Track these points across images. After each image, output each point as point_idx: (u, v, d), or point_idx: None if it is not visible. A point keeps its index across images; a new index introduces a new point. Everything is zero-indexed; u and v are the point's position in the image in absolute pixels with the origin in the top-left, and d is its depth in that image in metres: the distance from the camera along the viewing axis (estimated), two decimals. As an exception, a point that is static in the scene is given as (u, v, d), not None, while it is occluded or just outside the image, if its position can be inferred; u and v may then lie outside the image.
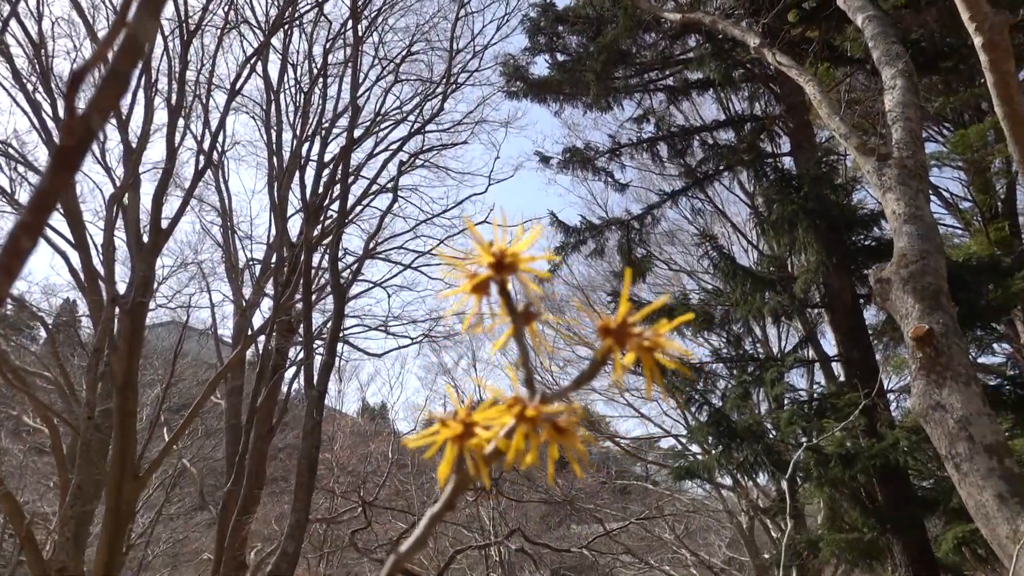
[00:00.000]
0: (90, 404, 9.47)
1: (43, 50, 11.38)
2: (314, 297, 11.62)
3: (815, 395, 10.82)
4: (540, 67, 11.70)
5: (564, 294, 16.64)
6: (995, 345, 10.81)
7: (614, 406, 19.09)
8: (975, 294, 7.61)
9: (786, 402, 9.07)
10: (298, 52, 13.35)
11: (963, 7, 3.48)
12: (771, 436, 8.48)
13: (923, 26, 9.19)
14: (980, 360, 10.53)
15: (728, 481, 13.15)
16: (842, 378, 9.77)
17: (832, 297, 8.76)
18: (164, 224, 11.01)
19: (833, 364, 10.92)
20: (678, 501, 16.35)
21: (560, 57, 11.21)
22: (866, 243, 8.47)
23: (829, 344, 11.01)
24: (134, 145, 11.07)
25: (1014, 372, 9.94)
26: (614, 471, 17.74)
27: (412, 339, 14.91)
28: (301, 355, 11.73)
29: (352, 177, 11.87)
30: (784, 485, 10.31)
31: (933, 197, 11.88)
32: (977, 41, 3.55)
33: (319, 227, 11.83)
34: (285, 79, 12.67)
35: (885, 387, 9.51)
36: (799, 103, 9.85)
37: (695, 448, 14.90)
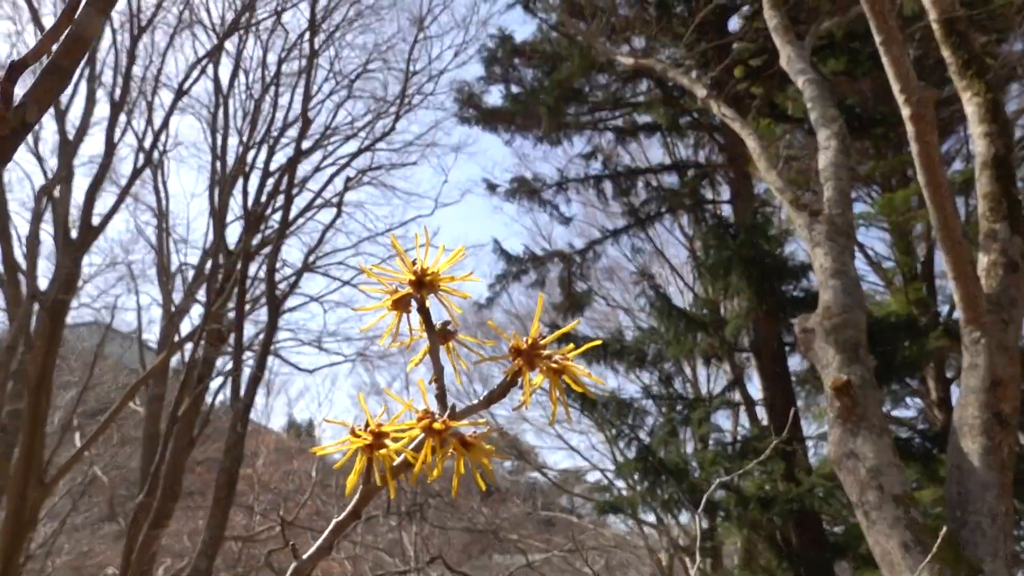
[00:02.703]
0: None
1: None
2: (248, 307, 11.38)
3: (739, 437, 11.10)
4: (494, 96, 11.85)
5: (503, 322, 16.70)
6: (908, 399, 11.32)
7: (543, 437, 19.14)
8: (892, 349, 7.98)
9: (711, 442, 9.28)
10: (252, 58, 13.19)
11: (894, 80, 3.72)
12: (695, 475, 8.65)
13: (858, 93, 9.71)
14: (893, 413, 11.01)
15: (651, 518, 13.30)
16: (765, 422, 10.06)
17: (760, 343, 9.05)
18: (95, 220, 10.67)
19: (757, 408, 11.24)
20: (601, 535, 16.43)
21: (514, 88, 11.40)
22: (795, 293, 8.81)
23: (755, 388, 11.34)
24: (71, 137, 10.72)
25: (924, 426, 10.42)
26: (540, 502, 17.73)
27: (346, 357, 14.71)
28: (229, 366, 11.43)
29: (297, 188, 11.74)
30: (702, 522, 10.50)
31: (858, 254, 12.43)
32: (905, 112, 3.79)
33: (259, 236, 11.62)
34: (236, 84, 12.50)
35: (805, 433, 9.83)
36: (740, 154, 10.23)
37: (620, 483, 15.05)
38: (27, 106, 0.50)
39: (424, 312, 0.69)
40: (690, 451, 11.09)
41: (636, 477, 8.91)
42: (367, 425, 0.65)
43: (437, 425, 0.64)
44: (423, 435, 0.63)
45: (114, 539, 14.80)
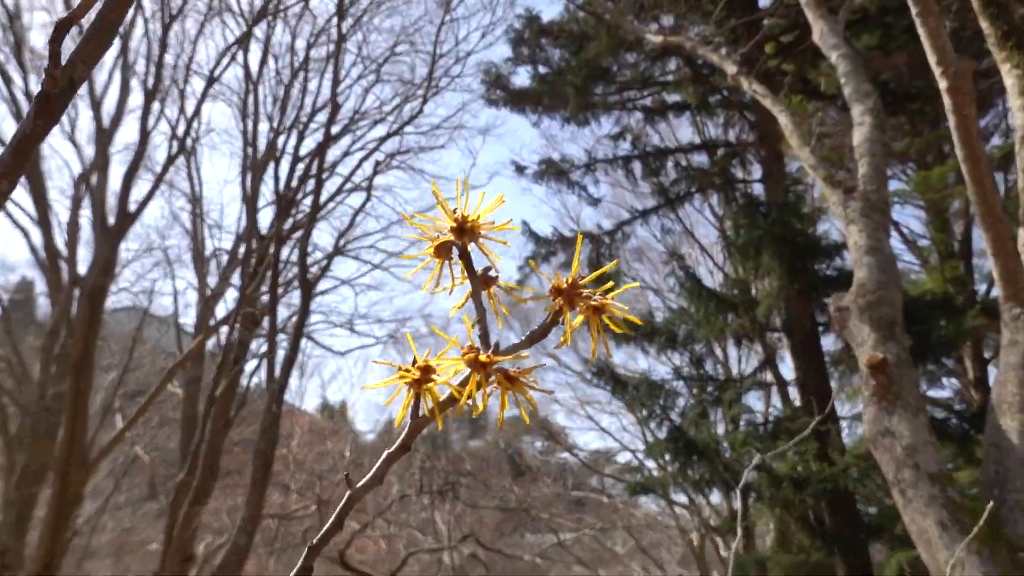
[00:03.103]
0: (43, 385, 9.28)
1: (17, 21, 11.17)
2: (280, 291, 11.54)
3: (770, 418, 11.04)
4: (521, 78, 11.80)
5: (531, 306, 16.69)
6: (944, 379, 11.15)
7: (574, 418, 19.22)
8: (928, 329, 7.86)
9: (742, 423, 9.24)
10: (280, 44, 13.29)
11: (931, 52, 3.64)
12: (726, 455, 8.63)
13: (893, 68, 9.50)
14: (929, 393, 10.85)
15: (682, 498, 13.31)
16: (797, 402, 9.99)
17: (792, 323, 8.97)
18: (132, 207, 10.87)
19: (789, 388, 11.15)
20: (632, 516, 16.49)
21: (542, 69, 11.34)
22: (828, 272, 8.69)
23: (787, 369, 11.25)
24: (106, 125, 10.91)
25: (960, 407, 10.26)
26: (570, 482, 17.83)
27: (377, 339, 14.86)
28: (263, 348, 11.63)
29: (327, 173, 11.83)
30: (738, 502, 10.47)
31: (893, 233, 12.22)
32: (942, 85, 3.72)
33: (290, 220, 11.75)
34: (265, 70, 12.60)
35: (838, 414, 9.75)
36: (772, 132, 10.08)
37: (651, 464, 15.06)
38: (75, 65, 0.51)
39: (466, 258, 0.71)
40: (721, 432, 11.06)
41: (667, 458, 8.92)
42: (414, 361, 0.69)
43: (483, 358, 0.66)
44: (469, 369, 0.65)
45: (155, 517, 15.20)
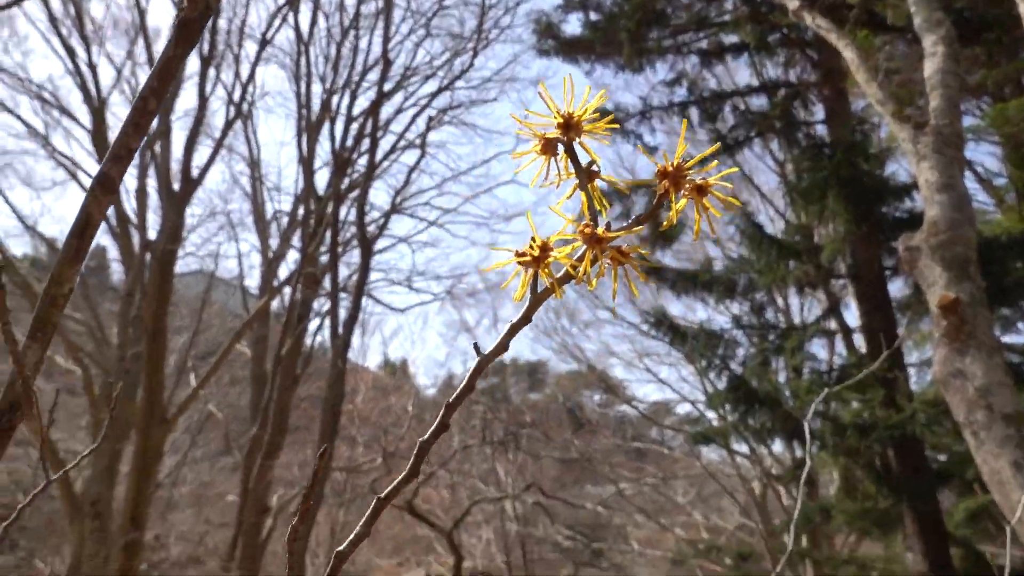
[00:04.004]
0: (121, 347, 9.73)
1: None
2: (340, 250, 11.75)
3: (835, 366, 10.82)
4: (573, 26, 11.57)
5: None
6: (1020, 324, 10.70)
7: (632, 370, 19.22)
8: (1003, 271, 7.54)
9: (806, 371, 9.09)
10: (330, 2, 13.28)
11: (1011, -28, 3.42)
12: (789, 404, 8.52)
13: (968, -6, 8.96)
14: (1003, 339, 10.44)
15: (743, 448, 13.24)
16: (863, 350, 9.76)
17: (858, 268, 8.71)
18: (195, 173, 11.16)
19: (855, 336, 10.89)
20: (692, 466, 16.51)
21: (593, 16, 11.08)
22: (897, 215, 8.39)
23: (852, 316, 10.97)
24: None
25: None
26: (630, 434, 17.92)
27: (435, 295, 15.05)
28: (326, 307, 11.92)
29: (381, 131, 11.89)
30: (800, 451, 10.38)
31: (967, 171, 11.65)
32: (1022, 9, 3.50)
33: (346, 180, 11.90)
34: (315, 30, 12.64)
35: (906, 360, 9.49)
36: (835, 70, 9.68)
37: (712, 414, 14.99)
38: None
39: (571, 152, 0.74)
40: (783, 381, 10.91)
41: (727, 408, 8.87)
42: (533, 241, 0.71)
43: (599, 233, 0.69)
44: (584, 245, 0.70)
45: (231, 470, 15.92)
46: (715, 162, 0.75)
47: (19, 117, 11.95)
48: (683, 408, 17.43)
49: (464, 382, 0.72)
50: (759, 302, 9.55)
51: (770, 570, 12.80)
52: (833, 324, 11.31)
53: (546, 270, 0.71)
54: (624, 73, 11.30)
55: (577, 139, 0.74)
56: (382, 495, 0.74)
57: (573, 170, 0.75)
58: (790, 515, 11.19)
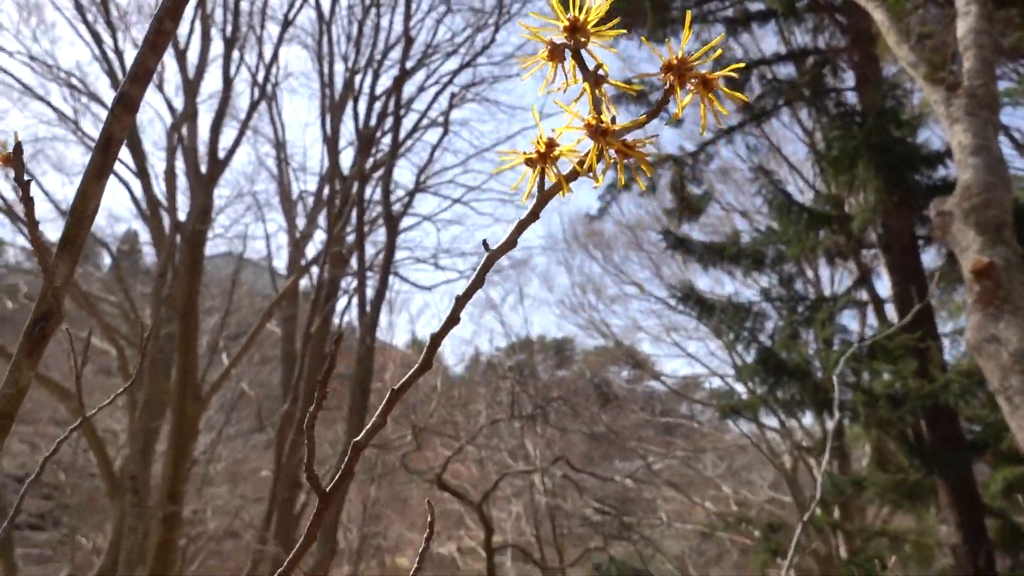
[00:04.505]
0: (156, 326, 9.91)
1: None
2: (366, 229, 11.81)
3: (865, 337, 10.69)
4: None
5: (613, 232, 16.57)
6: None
7: (660, 345, 19.15)
8: (1041, 236, 7.36)
9: (836, 343, 8.99)
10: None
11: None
12: (818, 376, 8.44)
13: (1005, -49, 8.66)
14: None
15: (773, 421, 13.18)
16: (896, 320, 9.62)
17: (890, 237, 8.56)
18: (221, 154, 11.25)
19: (886, 306, 10.73)
20: (721, 440, 16.47)
21: (616, -14, 10.90)
22: (929, 182, 8.21)
23: (884, 286, 10.80)
24: (191, 76, 11.24)
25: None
26: (658, 409, 17.90)
27: (461, 272, 15.07)
28: (353, 285, 12.01)
29: (404, 109, 11.88)
30: (831, 423, 10.29)
31: (1002, 137, 11.34)
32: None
33: (371, 159, 11.92)
34: (337, 9, 12.62)
35: (939, 331, 9.34)
36: (865, 34, 9.44)
37: (741, 388, 14.90)
38: None
39: (578, 57, 0.74)
40: (812, 353, 10.79)
41: (756, 380, 8.80)
42: (538, 139, 0.72)
43: (605, 125, 0.69)
44: (591, 139, 0.70)
45: (264, 447, 16.22)
46: (719, 52, 0.75)
47: (50, 104, 12.15)
48: (712, 382, 17.36)
49: (474, 276, 0.75)
50: (788, 274, 9.44)
51: (801, 543, 12.80)
52: (864, 295, 11.16)
53: (552, 168, 0.72)
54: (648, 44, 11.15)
55: (584, 45, 0.74)
56: (395, 387, 0.79)
57: (581, 75, 0.75)
58: (820, 487, 11.14)
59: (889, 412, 7.38)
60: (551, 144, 0.71)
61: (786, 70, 11.15)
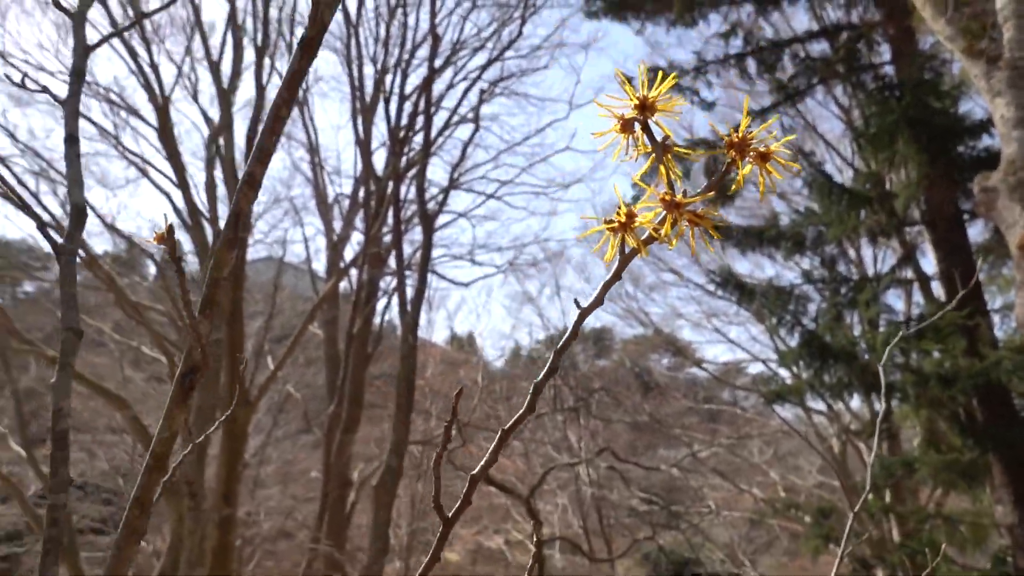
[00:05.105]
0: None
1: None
2: (402, 228, 11.93)
3: (912, 316, 10.47)
4: (621, -16, 11.30)
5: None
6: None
7: (701, 331, 19.00)
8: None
9: (882, 323, 8.83)
10: (375, -16, 13.34)
11: None
12: (865, 358, 8.31)
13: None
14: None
15: (819, 405, 12.99)
16: (942, 298, 9.41)
17: (934, 213, 8.38)
18: (258, 162, 11.44)
19: (933, 284, 10.50)
20: (767, 426, 16.30)
21: (641, -28, 10.81)
22: (973, 154, 8.00)
23: (929, 264, 10.57)
24: (225, 86, 11.45)
25: None
26: (701, 396, 17.77)
27: (497, 268, 15.15)
28: (392, 285, 12.14)
29: (434, 108, 11.95)
30: (879, 405, 10.12)
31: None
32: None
33: (403, 159, 12.03)
34: (363, 11, 12.74)
35: (988, 307, 9.11)
36: (900, 7, 9.23)
37: (784, 373, 14.70)
38: (319, 7, 0.62)
39: (648, 130, 0.85)
40: (858, 334, 10.61)
41: (801, 364, 8.70)
42: (618, 211, 0.84)
43: (678, 199, 0.81)
44: (665, 211, 0.82)
45: (312, 447, 16.53)
46: (775, 117, 0.81)
47: (91, 120, 12.47)
48: (755, 367, 17.17)
49: (569, 332, 0.87)
50: (830, 255, 9.29)
51: (853, 527, 12.60)
52: (909, 273, 10.93)
53: (632, 234, 0.84)
54: (676, 28, 11.04)
55: (651, 117, 0.85)
56: (506, 426, 0.89)
57: (649, 145, 0.85)
58: (870, 471, 10.96)
59: (940, 392, 7.24)
60: (631, 215, 0.83)
61: (819, 47, 10.96)
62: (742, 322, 15.32)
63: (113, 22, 11.51)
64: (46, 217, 11.05)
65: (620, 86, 0.85)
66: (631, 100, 0.84)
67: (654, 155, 0.85)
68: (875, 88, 8.66)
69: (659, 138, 0.86)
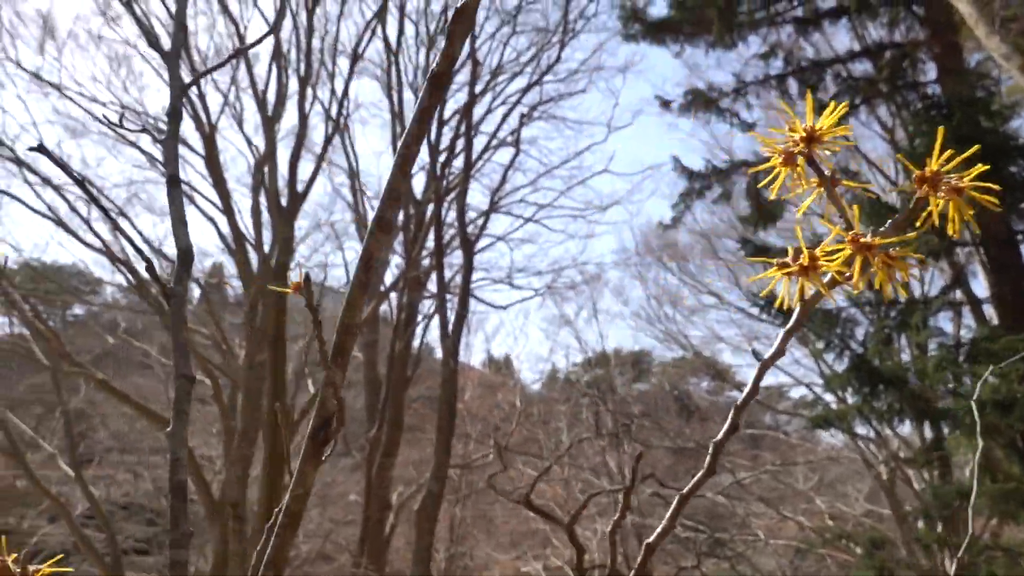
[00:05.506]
0: (249, 356, 10.29)
1: (184, 28, 12.12)
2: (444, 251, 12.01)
3: (963, 340, 10.17)
4: (659, 7, 11.36)
5: (688, 242, 16.34)
6: None
7: (741, 355, 18.71)
8: None
9: (933, 347, 8.60)
10: (416, 10, 13.57)
11: None
12: (914, 383, 8.08)
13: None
14: None
15: (866, 431, 12.66)
16: (995, 321, 9.14)
17: (985, 233, 8.17)
18: (300, 188, 11.66)
19: (984, 306, 10.21)
20: (812, 451, 15.92)
21: (679, -5, 10.84)
22: (1026, 174, 7.80)
23: (980, 285, 10.29)
24: (270, 114, 11.70)
25: None
26: (743, 421, 17.43)
27: (535, 291, 15.13)
28: (430, 309, 12.21)
29: (474, 131, 12.06)
30: (928, 433, 9.83)
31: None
32: None
33: (443, 183, 12.14)
34: (403, 39, 12.95)
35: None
36: (946, 25, 9.09)
37: (829, 397, 14.36)
38: (454, 45, 0.61)
39: (814, 164, 0.81)
40: (906, 359, 10.34)
41: (849, 389, 8.50)
42: (797, 254, 0.79)
43: (868, 241, 0.76)
44: (854, 252, 0.77)
45: (350, 471, 16.56)
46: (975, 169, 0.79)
47: (140, 148, 12.83)
48: (797, 391, 16.82)
49: (749, 386, 0.84)
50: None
51: (904, 559, 12.20)
52: (958, 295, 10.64)
53: (815, 277, 0.78)
54: (715, 50, 11.01)
55: (816, 151, 0.81)
56: (684, 490, 0.89)
57: (816, 177, 0.82)
58: (922, 500, 10.61)
59: (997, 419, 7.00)
60: (813, 258, 0.78)
61: (861, 67, 10.84)
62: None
63: (163, 53, 11.85)
64: (97, 244, 11.33)
65: (784, 119, 0.81)
66: (796, 131, 0.80)
67: (821, 189, 0.81)
68: (922, 107, 8.52)
69: (828, 171, 0.82)
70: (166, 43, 12.12)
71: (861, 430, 12.15)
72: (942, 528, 11.22)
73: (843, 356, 8.24)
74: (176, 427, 0.85)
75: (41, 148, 0.85)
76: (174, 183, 0.95)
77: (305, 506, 0.76)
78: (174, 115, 0.99)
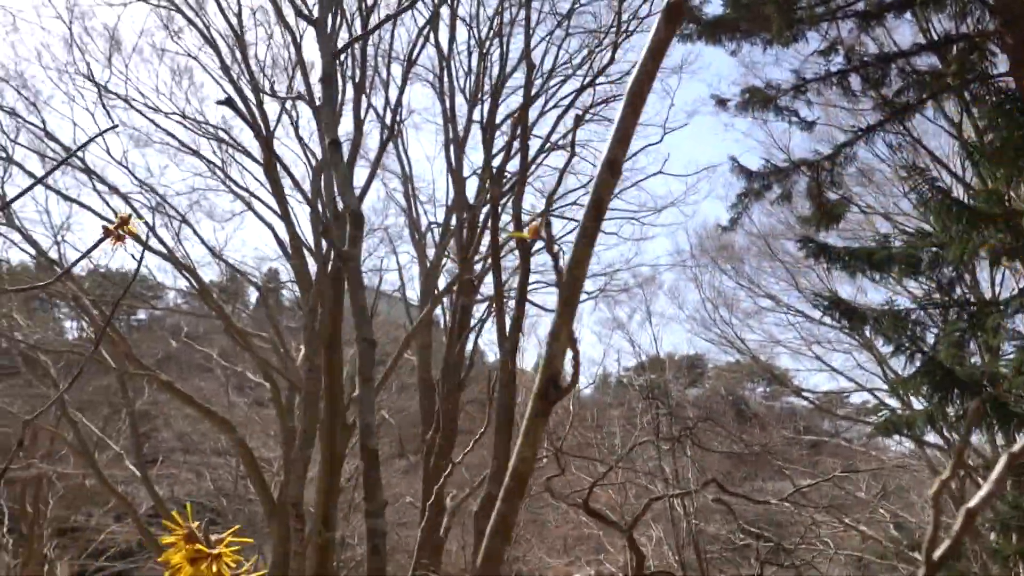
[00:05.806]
0: (308, 359, 10.43)
1: (242, 40, 12.40)
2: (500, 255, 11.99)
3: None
4: (714, 6, 11.15)
5: (744, 244, 16.04)
6: None
7: (800, 359, 18.28)
8: None
9: (1011, 350, 8.24)
10: (468, 15, 13.63)
11: None
12: (988, 388, 7.75)
13: None
14: None
15: (934, 437, 12.22)
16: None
17: (1066, 232, 7.79)
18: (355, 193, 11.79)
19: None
20: (874, 458, 15.44)
21: (736, -7, 10.63)
22: (1110, 168, 7.42)
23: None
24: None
25: None
26: (800, 426, 17.02)
27: (588, 294, 15.01)
28: (484, 312, 12.20)
29: (529, 135, 12.03)
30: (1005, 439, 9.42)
31: None
32: None
33: (497, 187, 12.13)
34: (455, 45, 13.01)
35: None
36: (1019, 14, 8.72)
37: (893, 403, 13.91)
38: None
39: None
40: (977, 362, 9.93)
41: (921, 394, 8.19)
42: None
43: None
44: None
45: (403, 473, 16.67)
46: None
47: (202, 156, 13.17)
48: (859, 397, 16.36)
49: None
50: (948, 277, 8.76)
51: (975, 572, 11.71)
52: (1036, 297, 10.19)
53: None
54: (773, 48, 10.74)
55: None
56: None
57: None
58: (995, 510, 10.16)
59: (1081, 425, 6.66)
60: None
61: (927, 61, 10.47)
62: (846, 349, 14.66)
63: (223, 64, 12.13)
64: (160, 248, 11.64)
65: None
66: None
67: None
68: (996, 101, 8.18)
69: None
70: (220, 50, 12.41)
71: (930, 437, 11.73)
72: (1017, 539, 10.75)
73: (913, 360, 7.94)
74: (363, 392, 0.82)
75: (228, 102, 0.83)
76: (335, 146, 0.93)
77: (533, 468, 0.72)
78: (327, 80, 0.97)
